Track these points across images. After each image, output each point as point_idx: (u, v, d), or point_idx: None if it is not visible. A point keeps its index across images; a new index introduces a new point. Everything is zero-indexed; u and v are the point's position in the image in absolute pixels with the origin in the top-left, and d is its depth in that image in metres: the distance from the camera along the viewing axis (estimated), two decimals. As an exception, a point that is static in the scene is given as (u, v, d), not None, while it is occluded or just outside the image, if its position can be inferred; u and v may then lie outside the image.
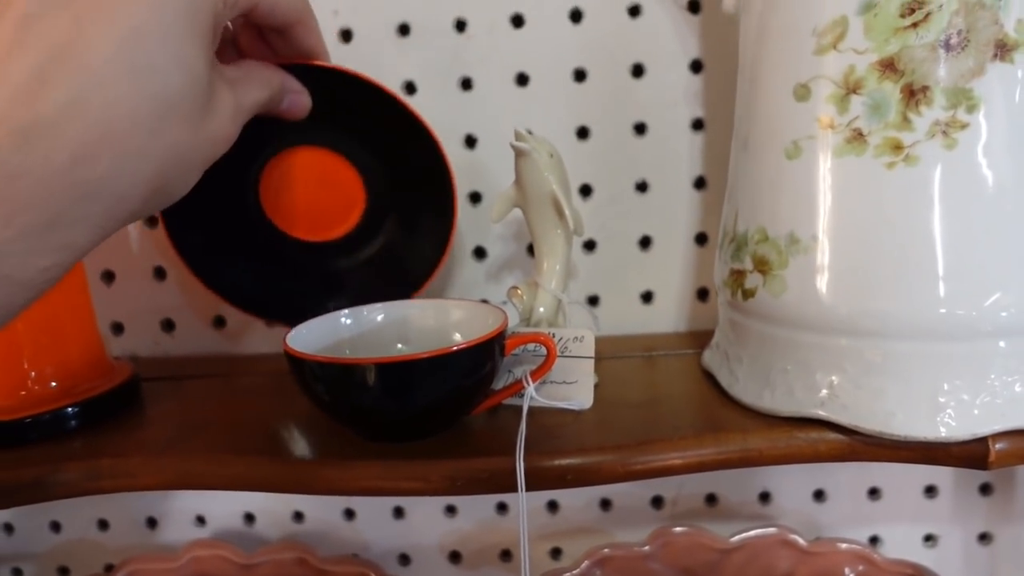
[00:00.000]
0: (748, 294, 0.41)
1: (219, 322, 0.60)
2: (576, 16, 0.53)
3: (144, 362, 0.59)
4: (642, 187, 0.55)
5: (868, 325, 0.36)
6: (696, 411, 0.43)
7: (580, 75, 0.54)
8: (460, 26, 0.53)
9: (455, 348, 0.37)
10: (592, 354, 0.43)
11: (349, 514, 0.63)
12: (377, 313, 0.45)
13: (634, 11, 0.52)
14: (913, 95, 0.34)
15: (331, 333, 0.43)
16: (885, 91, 0.35)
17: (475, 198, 0.56)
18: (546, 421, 0.41)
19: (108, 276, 0.59)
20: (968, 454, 0.36)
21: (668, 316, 0.58)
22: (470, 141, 0.55)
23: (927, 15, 0.34)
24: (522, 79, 0.54)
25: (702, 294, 0.57)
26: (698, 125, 0.54)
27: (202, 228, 0.48)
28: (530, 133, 0.44)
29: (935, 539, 0.61)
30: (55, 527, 0.65)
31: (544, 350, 0.41)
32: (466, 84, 0.54)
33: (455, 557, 0.64)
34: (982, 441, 0.35)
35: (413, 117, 0.45)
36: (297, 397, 0.40)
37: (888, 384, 0.36)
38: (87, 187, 0.28)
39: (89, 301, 0.49)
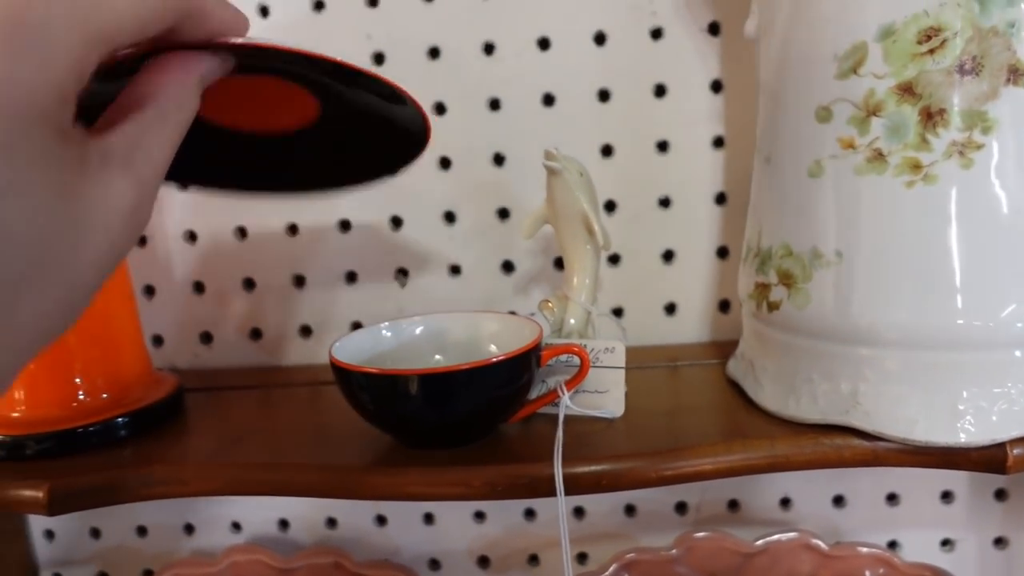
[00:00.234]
0: (773, 306, 0.43)
1: (256, 334, 0.62)
2: (600, 39, 0.55)
3: (184, 373, 0.60)
4: (665, 203, 0.57)
5: (889, 336, 0.38)
6: (723, 419, 0.45)
7: (604, 95, 0.56)
8: (488, 49, 0.56)
9: (494, 360, 0.38)
10: (623, 364, 0.45)
11: (381, 520, 0.65)
12: (416, 326, 0.47)
13: (656, 34, 0.55)
14: (931, 117, 0.36)
15: (372, 345, 0.45)
16: (904, 113, 0.37)
17: (503, 214, 0.58)
18: (579, 429, 0.43)
19: (148, 290, 0.62)
20: (987, 459, 0.37)
21: (691, 327, 0.60)
22: (498, 159, 0.57)
23: (943, 42, 0.36)
24: (548, 99, 0.56)
25: (724, 306, 0.59)
26: (719, 143, 0.56)
27: None
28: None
29: (952, 544, 0.62)
30: (95, 533, 0.67)
31: (578, 360, 0.43)
32: (494, 104, 0.56)
33: (483, 562, 0.65)
34: (1000, 446, 0.37)
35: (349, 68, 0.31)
36: (333, 407, 0.41)
37: (909, 392, 0.38)
38: None
39: (136, 314, 0.52)
